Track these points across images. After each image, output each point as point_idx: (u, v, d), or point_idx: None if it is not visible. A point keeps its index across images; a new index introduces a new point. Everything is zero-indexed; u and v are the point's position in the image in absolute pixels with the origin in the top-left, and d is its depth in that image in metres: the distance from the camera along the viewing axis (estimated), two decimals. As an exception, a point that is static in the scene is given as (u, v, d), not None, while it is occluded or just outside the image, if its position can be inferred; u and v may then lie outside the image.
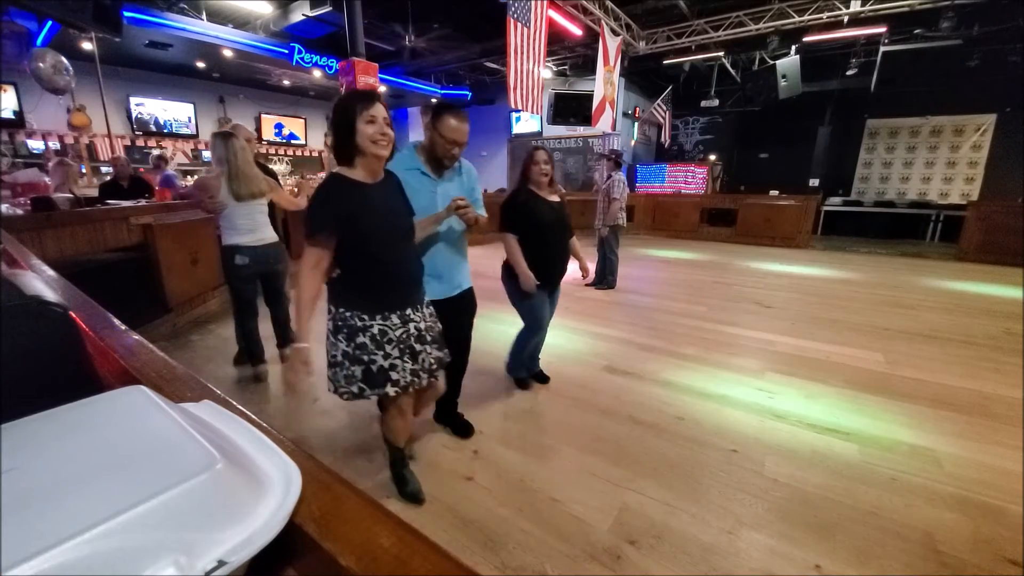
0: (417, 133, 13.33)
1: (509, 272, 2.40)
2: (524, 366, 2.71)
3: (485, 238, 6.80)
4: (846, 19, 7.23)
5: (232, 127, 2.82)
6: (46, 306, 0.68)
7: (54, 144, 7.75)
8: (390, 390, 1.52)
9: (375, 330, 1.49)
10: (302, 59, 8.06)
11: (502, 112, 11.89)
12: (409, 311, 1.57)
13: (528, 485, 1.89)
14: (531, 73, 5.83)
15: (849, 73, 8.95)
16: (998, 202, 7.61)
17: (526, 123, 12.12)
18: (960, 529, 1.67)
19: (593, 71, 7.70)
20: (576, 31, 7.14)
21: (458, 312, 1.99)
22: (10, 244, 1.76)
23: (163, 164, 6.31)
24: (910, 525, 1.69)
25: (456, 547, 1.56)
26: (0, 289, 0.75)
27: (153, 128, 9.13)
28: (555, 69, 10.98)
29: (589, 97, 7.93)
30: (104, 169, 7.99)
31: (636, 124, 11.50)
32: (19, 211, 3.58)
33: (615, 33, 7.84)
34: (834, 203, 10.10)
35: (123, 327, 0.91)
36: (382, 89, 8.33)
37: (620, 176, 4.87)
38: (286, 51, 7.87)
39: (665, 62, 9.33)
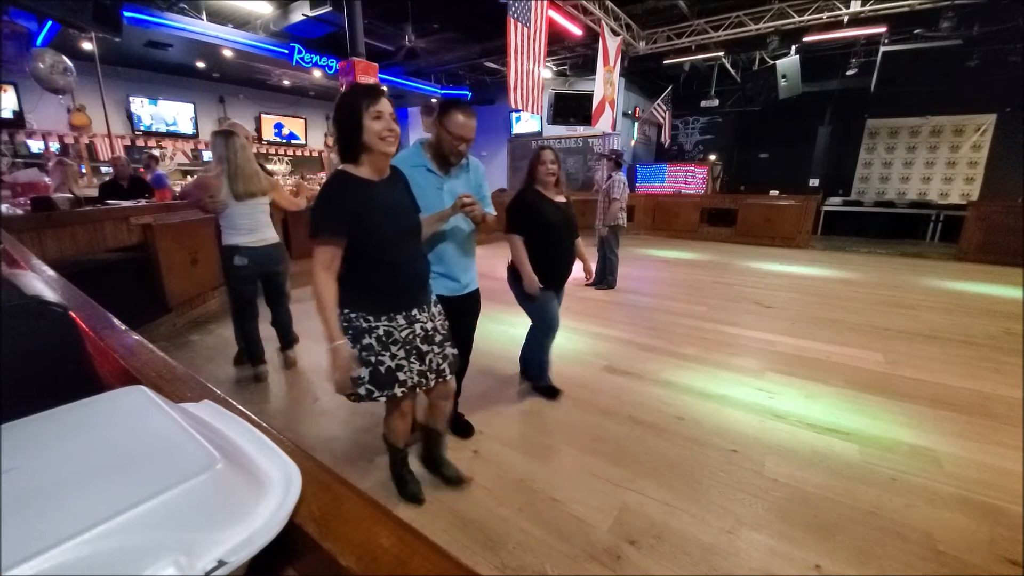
0: (417, 133, 13.32)
1: (515, 274, 2.37)
2: (545, 372, 2.62)
3: (486, 238, 6.79)
4: (846, 19, 7.23)
5: (229, 125, 2.77)
6: (46, 306, 0.68)
7: (54, 144, 7.75)
8: (398, 391, 1.50)
9: (380, 331, 1.47)
10: (302, 59, 8.07)
11: (502, 112, 11.88)
12: (415, 312, 1.55)
13: (528, 485, 1.89)
14: (531, 73, 5.82)
15: (849, 73, 8.94)
16: (998, 202, 7.61)
17: (526, 123, 12.12)
18: (960, 529, 1.67)
19: (593, 71, 7.69)
20: (576, 31, 7.13)
21: (463, 312, 1.96)
22: (10, 244, 1.76)
23: (153, 164, 6.35)
24: (910, 525, 1.69)
25: (456, 547, 1.56)
26: (0, 289, 0.75)
27: (152, 127, 9.12)
28: (555, 69, 10.97)
29: (589, 97, 7.91)
30: (104, 169, 7.99)
31: (636, 124, 11.49)
32: (19, 211, 3.59)
33: (615, 33, 7.84)
34: (834, 203, 10.09)
35: (123, 327, 0.91)
36: (382, 89, 8.34)
37: (620, 176, 4.87)
38: (286, 51, 7.88)
39: (665, 62, 9.32)
